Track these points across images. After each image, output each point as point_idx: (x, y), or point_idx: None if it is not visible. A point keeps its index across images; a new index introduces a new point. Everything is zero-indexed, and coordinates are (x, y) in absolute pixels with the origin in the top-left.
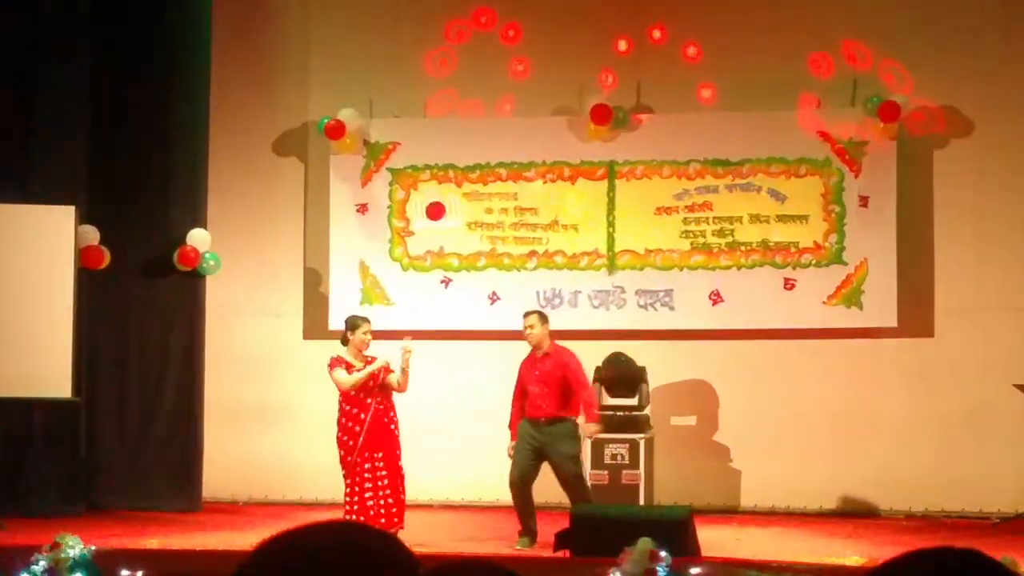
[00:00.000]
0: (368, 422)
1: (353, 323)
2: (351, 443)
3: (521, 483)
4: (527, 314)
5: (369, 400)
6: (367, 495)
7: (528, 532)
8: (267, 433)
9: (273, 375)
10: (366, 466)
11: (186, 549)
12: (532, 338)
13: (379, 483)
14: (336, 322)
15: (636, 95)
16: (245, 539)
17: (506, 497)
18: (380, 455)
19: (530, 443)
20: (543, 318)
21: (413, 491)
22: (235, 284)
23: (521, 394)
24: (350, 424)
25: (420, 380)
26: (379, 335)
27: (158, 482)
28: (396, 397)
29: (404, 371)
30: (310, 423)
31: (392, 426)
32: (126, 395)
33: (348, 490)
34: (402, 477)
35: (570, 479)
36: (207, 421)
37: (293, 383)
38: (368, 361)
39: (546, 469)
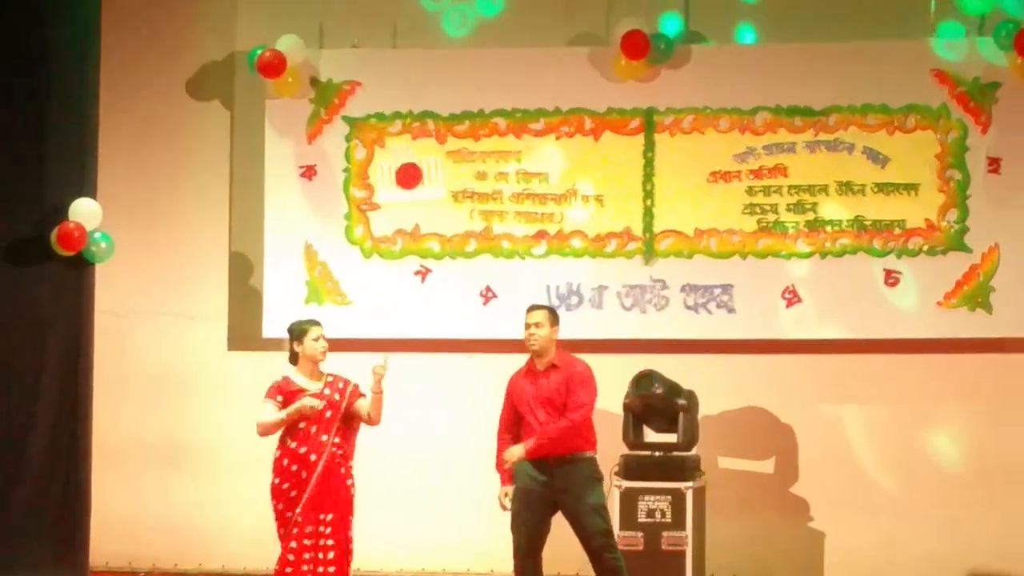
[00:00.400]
0: (321, 468)
1: (299, 329)
2: (292, 493)
3: (530, 550)
4: (533, 308)
5: (324, 437)
6: (304, 568)
7: None
8: (178, 480)
9: (186, 401)
10: (307, 529)
11: None
12: (536, 341)
13: (322, 555)
14: (273, 327)
15: (684, 17)
16: None
17: (504, 568)
18: (329, 517)
19: (536, 491)
20: (553, 316)
21: (379, 559)
22: (134, 275)
23: (512, 420)
24: (293, 467)
25: (386, 410)
26: (335, 346)
27: (29, 546)
28: (361, 436)
29: (376, 397)
30: (236, 467)
31: (349, 481)
32: None
33: (281, 556)
34: (350, 553)
35: (596, 538)
36: (96, 463)
37: (214, 412)
38: (330, 383)
39: (556, 528)
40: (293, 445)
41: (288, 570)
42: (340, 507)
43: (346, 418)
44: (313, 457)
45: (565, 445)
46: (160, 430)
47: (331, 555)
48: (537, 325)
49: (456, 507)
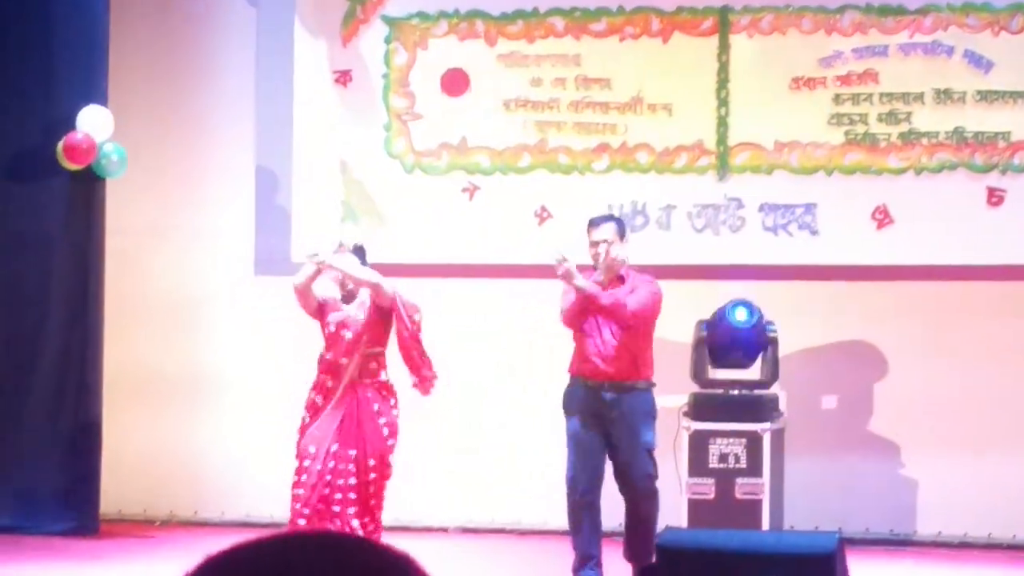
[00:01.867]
0: (340, 391)
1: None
2: (306, 414)
3: (590, 489)
4: (598, 222)
5: (344, 360)
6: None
7: (594, 565)
8: (198, 418)
9: (207, 330)
10: (330, 465)
11: None
12: (607, 260)
13: (340, 495)
14: (304, 249)
15: None
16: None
17: (556, 520)
18: (352, 453)
19: (594, 422)
20: (622, 228)
21: (422, 512)
22: (149, 191)
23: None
24: (317, 383)
25: (429, 338)
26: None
27: (35, 492)
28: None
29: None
30: (262, 404)
31: (382, 419)
32: None
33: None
34: (370, 485)
35: (642, 481)
36: (108, 401)
37: (238, 342)
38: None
39: None
40: (323, 353)
41: (306, 511)
42: (365, 443)
43: (369, 326)
44: (330, 383)
45: (622, 366)
46: (178, 363)
47: (352, 495)
48: (605, 241)
49: (504, 453)
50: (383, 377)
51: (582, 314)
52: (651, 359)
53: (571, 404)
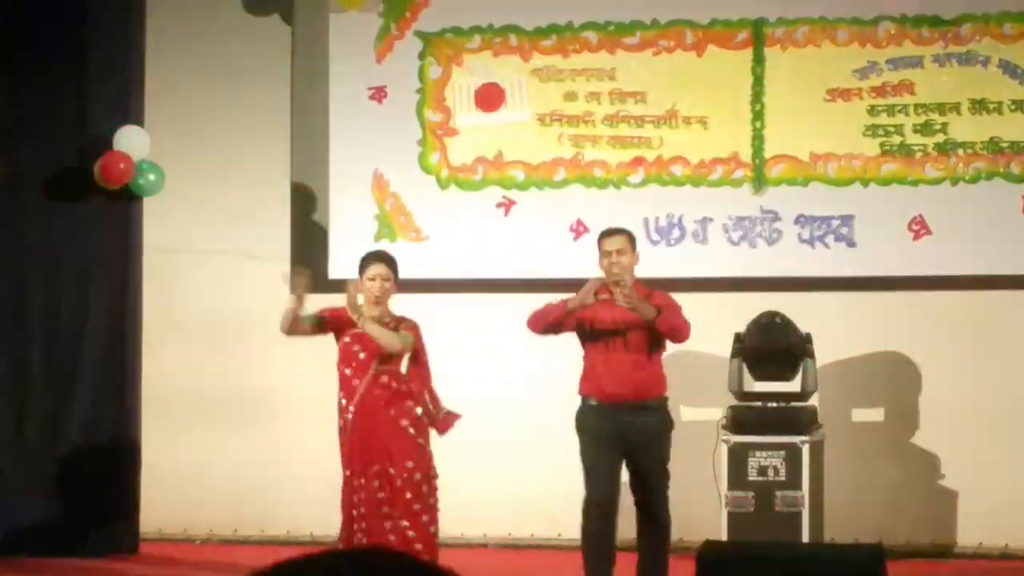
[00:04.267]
0: (355, 407)
1: (360, 262)
2: (342, 441)
3: (607, 505)
4: (612, 233)
5: (356, 382)
6: (356, 528)
7: None
8: (237, 436)
9: (244, 348)
10: (359, 482)
11: None
12: (621, 270)
13: (375, 510)
14: (341, 267)
15: None
16: None
17: (571, 532)
18: (376, 468)
19: (612, 441)
20: (633, 241)
21: (459, 523)
22: (185, 209)
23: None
24: (339, 422)
25: (464, 356)
26: (407, 287)
27: (75, 512)
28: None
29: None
30: (301, 422)
31: (404, 421)
32: (22, 381)
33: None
34: (417, 502)
35: (658, 497)
36: (147, 420)
37: (276, 361)
38: (388, 324)
39: None
40: (341, 371)
41: (344, 535)
42: (390, 454)
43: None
44: (344, 401)
45: (647, 387)
46: (216, 381)
47: (385, 509)
48: (620, 252)
49: (548, 468)
50: (395, 385)
51: (555, 328)
52: (663, 375)
53: (584, 425)
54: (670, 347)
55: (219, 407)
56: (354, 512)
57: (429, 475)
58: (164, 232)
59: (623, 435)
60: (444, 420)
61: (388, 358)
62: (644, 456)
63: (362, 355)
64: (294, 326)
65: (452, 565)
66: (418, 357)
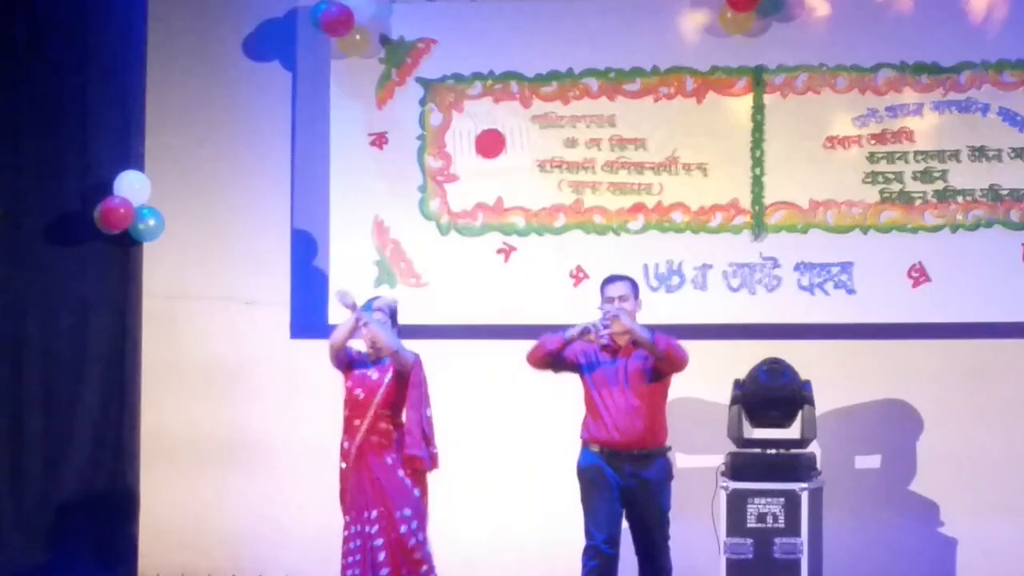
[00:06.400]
0: (353, 453)
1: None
2: (343, 488)
3: (609, 550)
4: (614, 279)
5: (357, 422)
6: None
7: None
8: (235, 480)
9: (244, 393)
10: (353, 529)
11: None
12: (622, 319)
13: (371, 557)
14: (341, 312)
15: None
16: None
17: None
18: (374, 514)
19: (613, 487)
20: (636, 288)
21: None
22: (185, 255)
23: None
24: (342, 464)
25: (463, 401)
26: (407, 332)
27: (73, 557)
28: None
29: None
30: (299, 466)
31: (399, 472)
32: (20, 423)
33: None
34: (415, 552)
35: (659, 542)
36: (145, 465)
37: (274, 405)
38: (381, 365)
39: None
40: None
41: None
42: (386, 500)
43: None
44: (346, 444)
45: (649, 436)
46: (215, 425)
47: (381, 556)
48: (622, 299)
49: (550, 513)
50: (395, 433)
51: (552, 359)
52: (665, 423)
53: (586, 471)
54: (669, 394)
55: (218, 452)
56: (349, 559)
57: (424, 525)
58: (164, 277)
59: (624, 483)
60: (432, 459)
61: (387, 401)
62: (645, 506)
63: (361, 396)
64: (342, 343)
65: None
66: (412, 380)
